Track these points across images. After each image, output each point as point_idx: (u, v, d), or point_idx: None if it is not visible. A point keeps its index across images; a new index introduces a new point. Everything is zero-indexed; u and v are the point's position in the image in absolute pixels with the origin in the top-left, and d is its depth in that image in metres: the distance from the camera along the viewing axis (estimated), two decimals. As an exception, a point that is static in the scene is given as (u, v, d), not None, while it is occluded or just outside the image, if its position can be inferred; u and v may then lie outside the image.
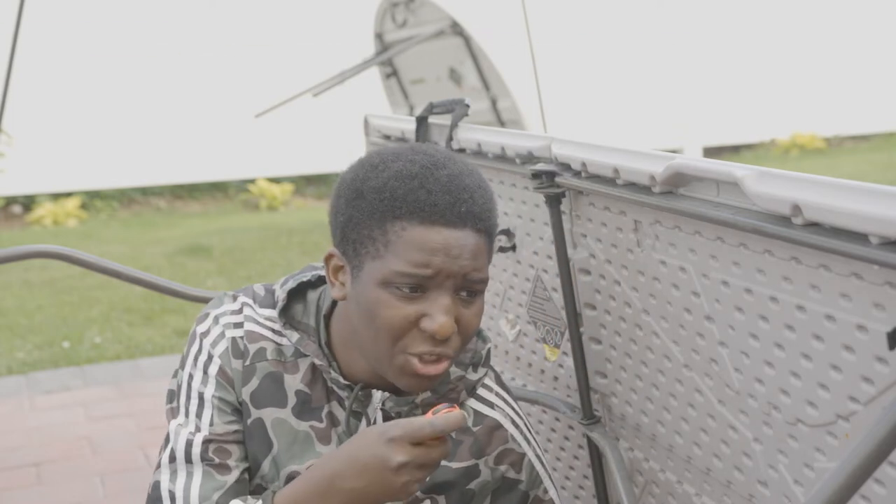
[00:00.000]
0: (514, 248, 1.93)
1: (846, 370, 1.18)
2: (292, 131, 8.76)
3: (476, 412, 1.52)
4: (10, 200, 8.76)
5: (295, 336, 1.46)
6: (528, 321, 1.95)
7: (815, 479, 1.29)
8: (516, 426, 1.54)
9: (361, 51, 7.19)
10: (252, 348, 1.46)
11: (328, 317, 1.48)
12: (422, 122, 2.07)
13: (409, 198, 1.33)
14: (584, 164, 1.57)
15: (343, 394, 1.46)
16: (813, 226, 1.14)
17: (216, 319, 1.49)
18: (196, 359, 1.47)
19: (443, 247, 1.32)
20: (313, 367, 1.46)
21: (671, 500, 1.67)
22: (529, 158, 1.74)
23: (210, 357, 1.46)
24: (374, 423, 1.46)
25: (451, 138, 1.96)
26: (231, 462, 1.43)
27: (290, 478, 1.44)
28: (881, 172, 9.33)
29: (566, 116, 8.68)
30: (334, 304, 1.48)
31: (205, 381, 1.45)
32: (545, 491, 1.56)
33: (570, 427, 1.96)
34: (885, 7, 11.05)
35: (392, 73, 7.29)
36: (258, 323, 1.48)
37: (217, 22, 8.84)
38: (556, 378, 1.93)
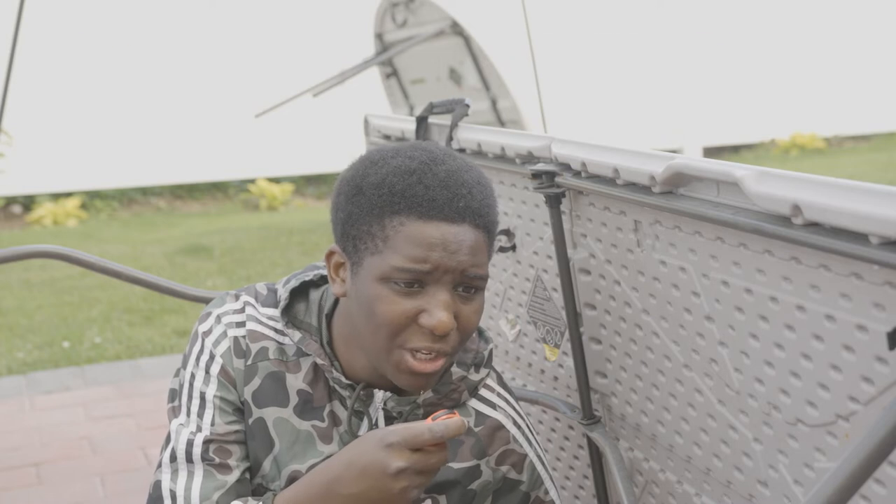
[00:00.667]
0: (514, 248, 1.93)
1: (846, 370, 1.18)
2: (292, 131, 8.76)
3: (478, 412, 1.52)
4: (10, 200, 8.77)
5: (297, 335, 1.46)
6: (528, 321, 1.95)
7: (815, 479, 1.29)
8: (518, 427, 1.54)
9: (361, 51, 7.19)
10: (254, 348, 1.47)
11: (330, 316, 1.48)
12: (422, 122, 2.07)
13: (406, 193, 1.33)
14: (584, 164, 1.57)
15: (345, 393, 1.46)
16: (813, 226, 1.14)
17: (218, 319, 1.49)
18: (198, 358, 1.47)
19: (440, 242, 1.32)
20: (315, 366, 1.47)
21: (671, 500, 1.67)
22: (529, 158, 1.74)
23: (212, 356, 1.46)
24: (376, 422, 1.46)
25: (451, 138, 1.96)
26: (232, 462, 1.44)
27: (292, 478, 1.45)
28: (881, 172, 9.33)
29: (566, 116, 8.68)
30: (336, 303, 1.48)
31: (206, 381, 1.46)
32: (546, 492, 1.56)
33: (570, 427, 1.96)
34: (884, 7, 11.05)
35: (392, 73, 7.28)
36: (260, 322, 1.49)
37: (217, 22, 8.84)
38: (556, 378, 1.93)
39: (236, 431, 1.45)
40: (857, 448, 1.01)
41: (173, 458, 1.44)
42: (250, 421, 1.46)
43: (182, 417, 1.46)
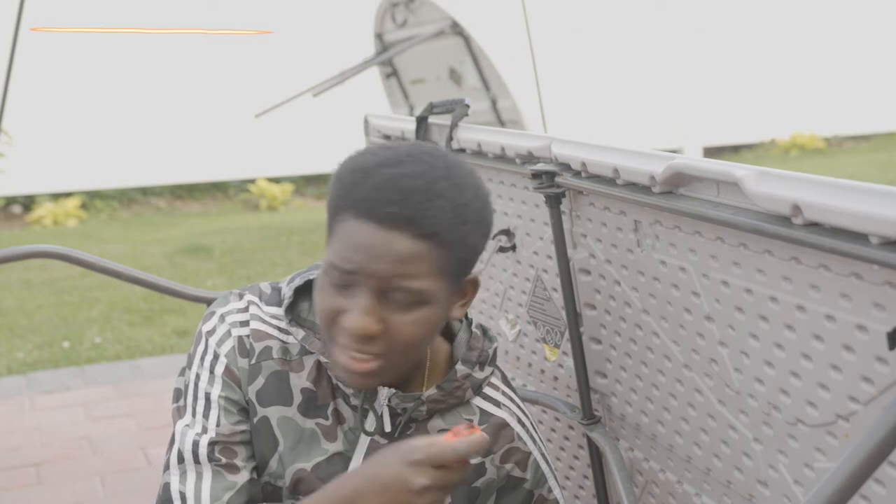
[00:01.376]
0: (514, 248, 1.93)
1: (846, 370, 1.18)
2: (292, 131, 8.76)
3: (482, 411, 1.52)
4: (10, 200, 8.77)
5: (301, 333, 1.46)
6: (528, 321, 1.95)
7: (815, 479, 1.29)
8: (522, 425, 1.54)
9: (361, 51, 7.19)
10: (258, 347, 1.47)
11: None
12: (422, 122, 2.07)
13: (350, 189, 1.32)
14: (584, 164, 1.57)
15: (349, 391, 1.46)
16: (813, 226, 1.14)
17: (222, 318, 1.49)
18: (203, 358, 1.47)
19: (365, 245, 1.30)
20: (319, 364, 1.47)
21: (671, 500, 1.67)
22: (529, 158, 1.74)
23: (216, 356, 1.46)
24: (381, 418, 1.46)
25: (451, 138, 1.96)
26: (238, 462, 1.43)
27: (297, 477, 1.45)
28: (881, 172, 9.33)
29: (566, 116, 8.68)
30: None
31: (211, 381, 1.46)
32: (549, 490, 1.56)
33: (570, 427, 1.97)
34: (884, 7, 11.05)
35: (392, 73, 7.28)
36: (264, 321, 1.49)
37: (217, 22, 8.83)
38: (556, 378, 1.93)
39: (242, 432, 1.45)
40: (857, 448, 1.01)
41: (181, 460, 1.43)
42: (255, 420, 1.46)
43: (187, 418, 1.46)
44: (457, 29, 6.57)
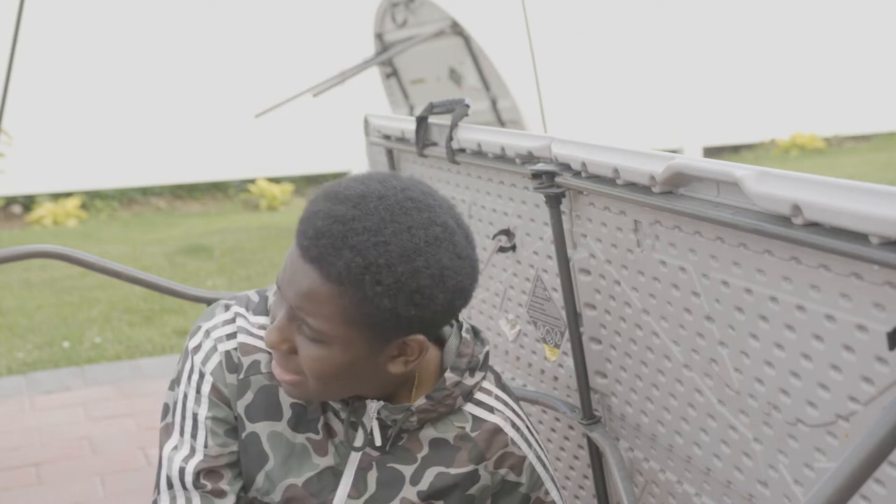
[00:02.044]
0: (514, 248, 1.93)
1: (846, 370, 1.18)
2: (292, 131, 8.76)
3: (475, 417, 1.51)
4: (10, 200, 8.76)
5: None
6: (528, 321, 1.95)
7: (815, 479, 1.29)
8: (517, 429, 1.53)
9: (361, 51, 7.19)
10: (246, 361, 1.46)
11: None
12: (422, 122, 2.07)
13: (303, 213, 1.35)
14: (584, 164, 1.57)
15: (337, 405, 1.45)
16: (813, 226, 1.14)
17: (207, 333, 1.48)
18: (189, 377, 1.47)
19: (287, 268, 1.34)
20: None
21: (671, 500, 1.67)
22: (529, 158, 1.74)
23: (202, 375, 1.46)
24: (371, 433, 1.45)
25: (451, 138, 1.96)
26: (224, 485, 1.44)
27: (289, 495, 1.45)
28: (881, 172, 9.32)
29: (566, 116, 8.68)
30: None
31: (198, 401, 1.45)
32: (546, 493, 1.56)
33: (570, 427, 1.96)
34: (884, 7, 11.05)
35: (392, 73, 7.28)
36: (251, 334, 1.48)
37: (217, 22, 8.84)
38: (556, 378, 1.93)
39: (230, 452, 1.45)
40: (857, 448, 1.01)
41: (170, 485, 1.45)
42: (243, 435, 1.45)
43: (175, 438, 1.47)
44: (457, 29, 6.57)
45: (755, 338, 1.33)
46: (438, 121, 2.05)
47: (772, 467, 1.37)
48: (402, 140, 2.21)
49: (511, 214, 1.91)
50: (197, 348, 1.47)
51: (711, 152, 10.60)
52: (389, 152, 2.30)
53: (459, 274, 1.33)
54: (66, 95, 8.45)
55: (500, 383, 1.58)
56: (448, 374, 1.46)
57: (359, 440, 1.45)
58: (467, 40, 6.60)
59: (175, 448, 1.46)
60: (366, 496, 1.46)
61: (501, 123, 6.74)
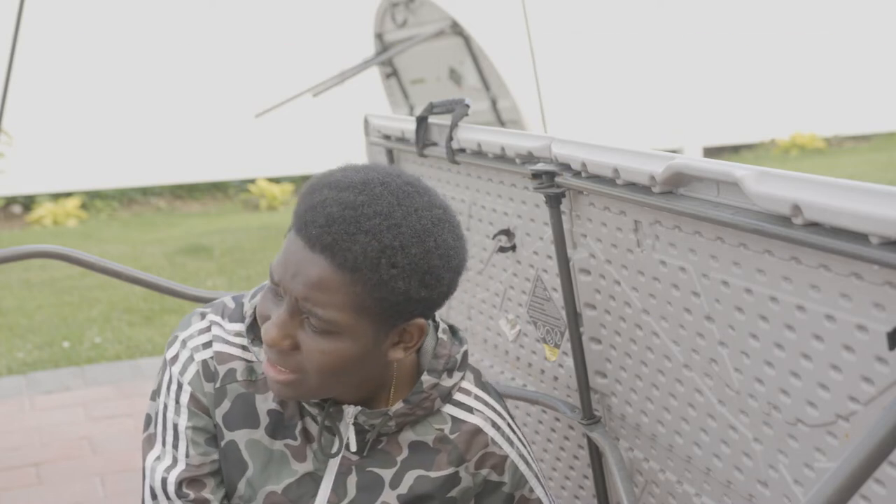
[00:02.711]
0: (514, 248, 1.93)
1: (846, 370, 1.18)
2: (292, 131, 8.76)
3: (454, 419, 1.50)
4: (10, 200, 8.76)
5: (262, 353, 1.43)
6: (528, 321, 1.95)
7: (815, 479, 1.29)
8: (497, 428, 1.52)
9: (361, 51, 7.19)
10: (222, 370, 1.45)
11: None
12: (422, 122, 2.07)
13: (299, 202, 1.33)
14: (584, 164, 1.57)
15: (313, 411, 1.44)
16: (813, 226, 1.14)
17: (183, 343, 1.48)
18: (168, 388, 1.47)
19: (290, 260, 1.30)
20: None
21: (671, 500, 1.67)
22: (529, 158, 1.74)
23: (180, 385, 1.46)
24: (347, 440, 1.45)
25: (451, 138, 1.96)
26: (207, 493, 1.44)
27: (270, 501, 1.44)
28: (881, 172, 9.33)
29: (566, 116, 8.68)
30: None
31: (178, 412, 1.45)
32: (531, 490, 1.55)
33: (570, 427, 1.96)
34: (884, 7, 11.05)
35: (392, 73, 7.28)
36: (227, 342, 1.47)
37: (217, 22, 8.84)
38: (556, 378, 1.93)
39: (212, 461, 1.45)
40: (857, 448, 1.01)
41: (154, 496, 1.45)
42: (223, 444, 1.45)
43: (157, 449, 1.46)
44: (457, 29, 6.57)
45: (755, 338, 1.33)
46: (438, 121, 2.05)
47: (772, 467, 1.37)
48: (402, 140, 2.21)
49: (511, 214, 1.91)
50: (174, 359, 1.47)
51: (711, 152, 10.60)
52: (389, 152, 2.31)
53: (460, 254, 1.36)
54: (66, 95, 8.45)
55: (479, 382, 1.56)
56: (425, 377, 1.45)
57: (334, 448, 1.45)
58: (467, 40, 6.60)
59: (157, 458, 1.45)
60: (346, 501, 1.45)
61: (501, 123, 6.74)
